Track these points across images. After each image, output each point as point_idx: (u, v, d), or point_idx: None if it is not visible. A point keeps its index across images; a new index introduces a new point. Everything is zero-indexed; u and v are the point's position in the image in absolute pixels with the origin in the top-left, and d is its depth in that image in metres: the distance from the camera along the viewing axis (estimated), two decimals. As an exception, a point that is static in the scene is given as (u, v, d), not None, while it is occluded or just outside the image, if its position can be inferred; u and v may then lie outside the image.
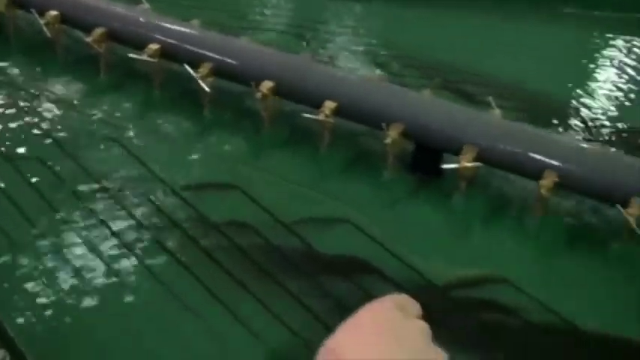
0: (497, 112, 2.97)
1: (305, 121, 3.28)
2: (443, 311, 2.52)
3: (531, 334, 2.43)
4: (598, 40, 4.75)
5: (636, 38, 4.75)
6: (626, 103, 3.92)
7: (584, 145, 2.84)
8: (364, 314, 0.98)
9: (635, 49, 4.63)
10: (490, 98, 3.12)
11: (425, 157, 3.02)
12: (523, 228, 2.87)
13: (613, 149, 3.15)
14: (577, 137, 2.85)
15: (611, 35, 4.78)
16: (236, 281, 2.63)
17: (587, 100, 3.85)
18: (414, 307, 1.12)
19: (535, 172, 2.68)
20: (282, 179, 3.13)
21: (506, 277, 2.60)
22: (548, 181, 2.60)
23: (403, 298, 1.11)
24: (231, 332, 2.44)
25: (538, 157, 2.68)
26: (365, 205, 2.97)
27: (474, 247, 2.79)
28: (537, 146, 2.72)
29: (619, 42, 4.72)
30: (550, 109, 3.71)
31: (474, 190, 3.01)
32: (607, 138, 3.48)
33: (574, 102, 3.81)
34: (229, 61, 3.32)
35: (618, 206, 2.53)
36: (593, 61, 4.47)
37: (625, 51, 4.62)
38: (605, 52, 4.58)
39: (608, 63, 4.42)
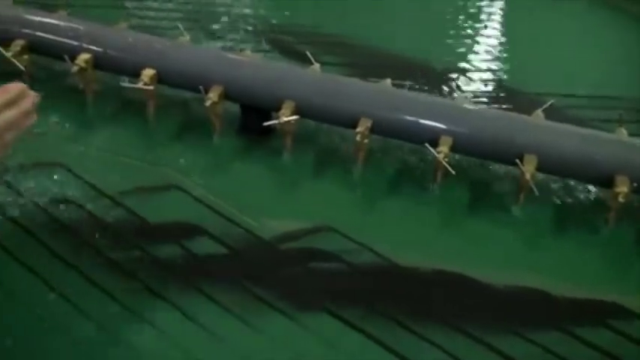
0: (316, 66, 3.02)
1: (132, 92, 3.21)
2: (272, 264, 2.57)
3: (355, 275, 2.51)
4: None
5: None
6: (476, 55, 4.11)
7: (398, 91, 2.93)
8: None
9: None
10: (308, 53, 3.16)
11: (252, 117, 3.03)
12: (348, 179, 2.95)
13: (428, 95, 3.29)
14: (389, 84, 2.92)
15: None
16: (61, 260, 2.56)
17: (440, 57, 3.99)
18: None
19: (352, 122, 2.75)
20: (110, 153, 3.05)
21: (330, 226, 2.67)
22: (362, 127, 2.67)
23: None
24: (56, 311, 2.38)
25: (353, 106, 2.75)
26: (193, 170, 2.95)
27: (301, 201, 2.84)
28: (352, 96, 2.79)
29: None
30: (378, 62, 3.82)
31: (301, 146, 3.06)
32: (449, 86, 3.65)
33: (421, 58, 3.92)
34: (42, 35, 3.19)
35: (427, 145, 2.63)
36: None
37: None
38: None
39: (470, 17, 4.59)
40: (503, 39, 4.21)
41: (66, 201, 2.80)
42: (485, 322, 2.31)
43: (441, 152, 2.56)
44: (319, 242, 2.65)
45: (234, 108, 3.12)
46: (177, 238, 2.66)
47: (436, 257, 2.54)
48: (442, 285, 2.43)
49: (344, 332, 2.22)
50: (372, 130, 2.72)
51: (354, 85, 2.86)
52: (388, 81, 2.92)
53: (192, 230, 2.68)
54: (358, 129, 2.67)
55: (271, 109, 2.88)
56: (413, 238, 2.64)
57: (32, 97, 1.29)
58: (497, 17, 4.51)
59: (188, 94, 3.21)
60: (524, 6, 4.68)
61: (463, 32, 4.28)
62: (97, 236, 2.67)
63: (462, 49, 4.04)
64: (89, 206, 2.77)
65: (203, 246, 2.64)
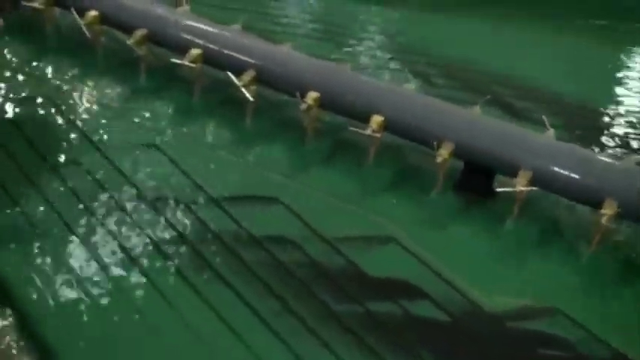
0: (551, 132, 2.85)
1: (348, 133, 3.19)
2: (496, 343, 2.44)
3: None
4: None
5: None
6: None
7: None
8: None
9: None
10: (544, 117, 3.00)
11: (476, 177, 2.92)
12: (576, 257, 2.76)
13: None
14: (633, 161, 2.69)
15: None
16: (277, 297, 2.56)
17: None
18: None
19: (594, 201, 2.55)
20: (326, 194, 3.04)
21: (556, 308, 2.50)
22: (609, 210, 2.47)
23: None
24: (270, 352, 2.37)
25: (599, 185, 2.55)
26: (411, 224, 2.87)
27: (523, 274, 2.69)
28: (597, 173, 2.59)
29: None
30: (598, 125, 3.62)
31: (525, 214, 2.90)
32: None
33: (623, 119, 3.69)
34: (273, 69, 3.23)
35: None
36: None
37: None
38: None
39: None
40: None
41: (283, 239, 2.80)
42: None
43: None
44: (547, 325, 2.49)
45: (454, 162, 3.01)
46: (397, 296, 2.59)
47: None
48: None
49: None
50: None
51: (598, 161, 2.66)
52: (633, 158, 2.70)
53: (411, 290, 2.60)
54: (605, 210, 2.47)
55: (503, 173, 2.75)
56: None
57: None
58: None
59: (405, 143, 3.14)
60: None
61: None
62: (314, 281, 2.66)
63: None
64: (307, 249, 2.76)
65: (422, 309, 2.56)
